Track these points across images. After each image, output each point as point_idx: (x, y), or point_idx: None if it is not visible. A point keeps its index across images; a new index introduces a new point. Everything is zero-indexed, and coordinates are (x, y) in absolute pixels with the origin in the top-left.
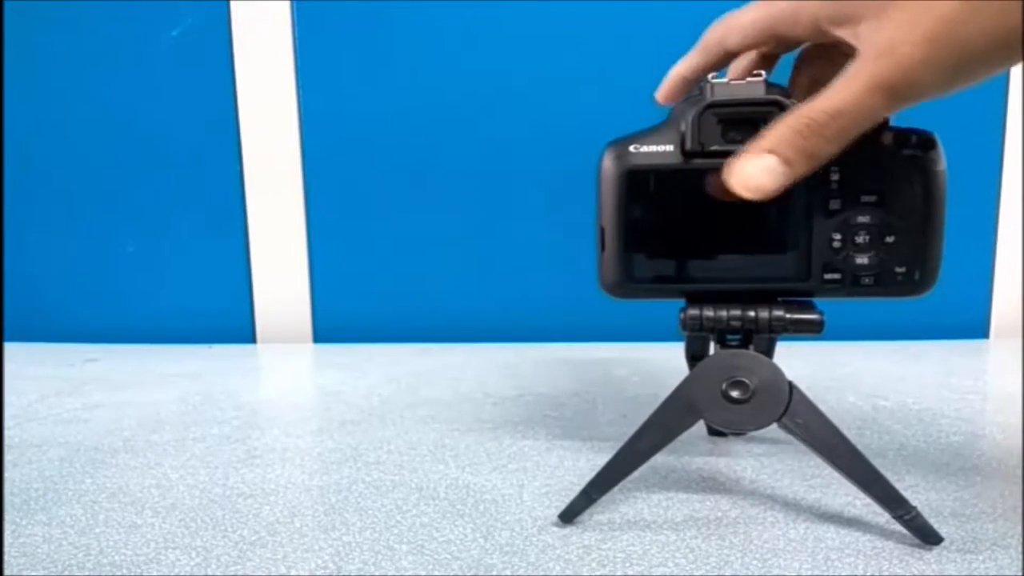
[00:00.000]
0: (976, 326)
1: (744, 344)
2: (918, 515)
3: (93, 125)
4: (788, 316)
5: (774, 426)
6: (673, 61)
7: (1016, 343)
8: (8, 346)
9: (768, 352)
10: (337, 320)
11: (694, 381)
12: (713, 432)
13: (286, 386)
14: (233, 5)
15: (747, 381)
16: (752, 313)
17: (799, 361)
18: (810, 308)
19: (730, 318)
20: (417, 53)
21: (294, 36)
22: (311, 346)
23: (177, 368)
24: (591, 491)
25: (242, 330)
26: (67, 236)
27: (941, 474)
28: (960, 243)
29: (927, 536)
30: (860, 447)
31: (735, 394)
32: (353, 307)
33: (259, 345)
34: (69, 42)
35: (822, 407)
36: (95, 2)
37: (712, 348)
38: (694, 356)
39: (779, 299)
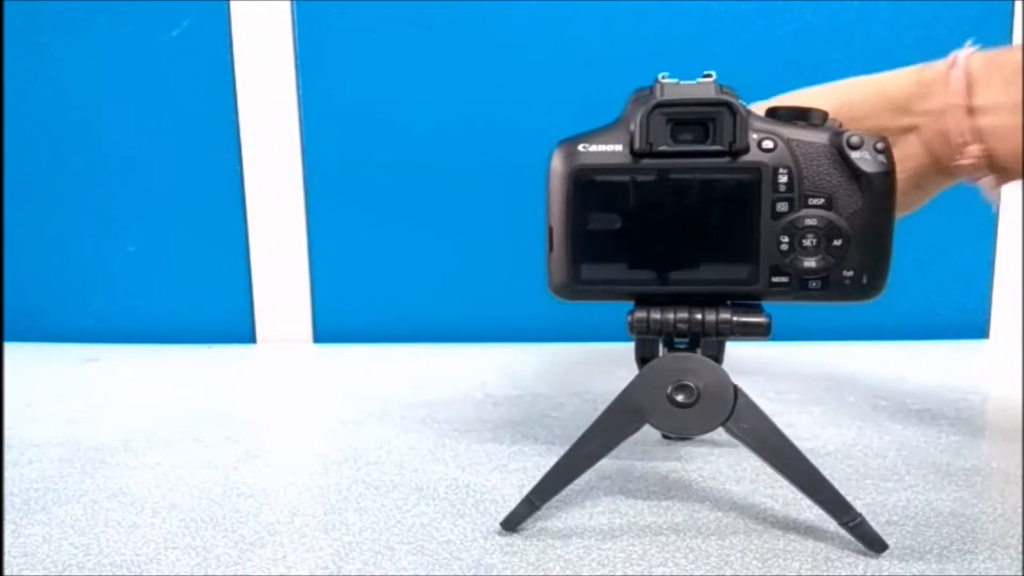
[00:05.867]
0: (976, 326)
1: (692, 347)
2: (863, 521)
3: (93, 125)
4: (735, 319)
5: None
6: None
7: (1016, 343)
8: (8, 346)
9: (717, 356)
10: (337, 320)
11: (639, 385)
12: (667, 436)
13: (286, 386)
14: (233, 5)
15: (692, 385)
16: (699, 316)
17: (799, 361)
18: (757, 311)
19: (677, 321)
20: (418, 53)
21: (294, 36)
22: (311, 346)
23: (177, 368)
24: (534, 498)
25: (242, 330)
26: (67, 236)
27: (941, 474)
28: (960, 243)
29: (872, 543)
30: (859, 447)
31: (680, 398)
32: (353, 307)
33: (259, 345)
34: (69, 42)
35: (822, 407)
36: (95, 2)
37: (661, 351)
38: (644, 359)
39: (729, 302)
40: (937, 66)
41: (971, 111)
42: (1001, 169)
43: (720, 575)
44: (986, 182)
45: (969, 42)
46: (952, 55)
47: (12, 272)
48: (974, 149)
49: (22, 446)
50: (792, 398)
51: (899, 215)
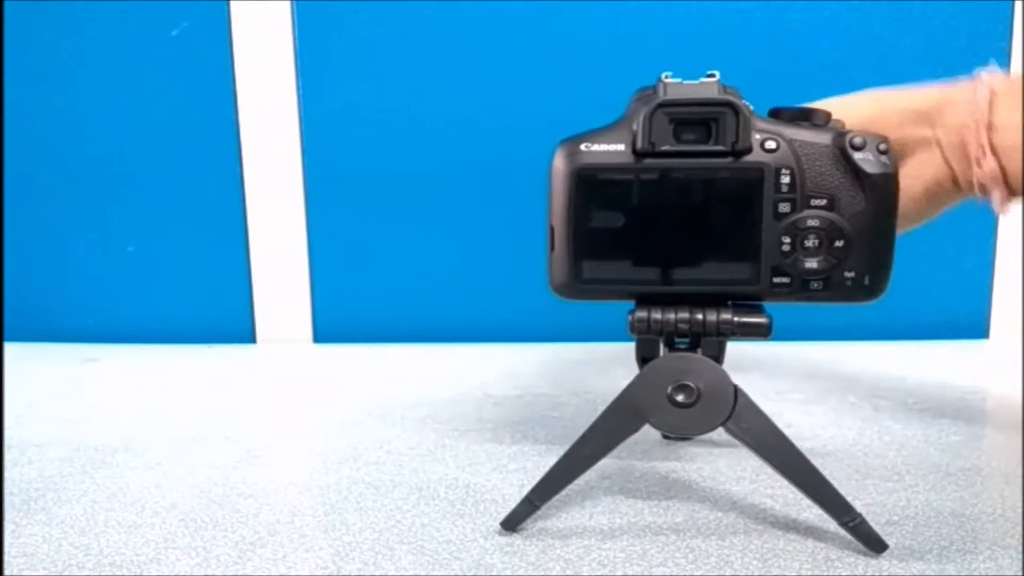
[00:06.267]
0: (976, 326)
1: (692, 347)
2: (863, 521)
3: (93, 125)
4: (735, 319)
5: None
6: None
7: (1016, 343)
8: (8, 346)
9: (718, 356)
10: (337, 320)
11: (639, 384)
12: (667, 436)
13: (286, 386)
14: (233, 5)
15: (692, 385)
16: (700, 316)
17: (799, 361)
18: (758, 312)
19: (678, 320)
20: (418, 53)
21: (294, 36)
22: (311, 346)
23: (177, 368)
24: (534, 498)
25: (242, 330)
26: (67, 236)
27: (941, 474)
28: (960, 243)
29: (871, 543)
30: (859, 447)
31: (680, 398)
32: (353, 307)
33: (259, 345)
34: (69, 42)
35: (822, 407)
36: (95, 2)
37: (661, 351)
38: (644, 359)
39: (730, 303)
40: (963, 82)
41: (991, 127)
42: (1011, 187)
43: (720, 575)
44: (996, 198)
45: (993, 61)
46: (978, 73)
47: (12, 272)
48: (989, 163)
49: (22, 446)
50: (792, 398)
51: (912, 226)
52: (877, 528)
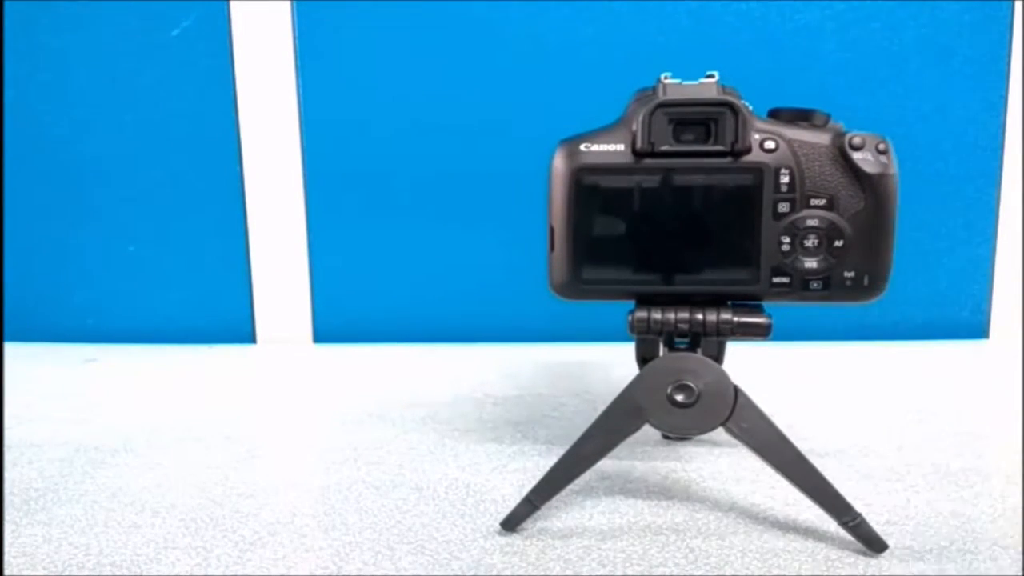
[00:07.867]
0: (976, 326)
1: (692, 347)
2: (863, 521)
3: (93, 124)
4: (735, 319)
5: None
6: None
7: (1016, 343)
8: (8, 346)
9: (718, 356)
10: (337, 320)
11: (639, 384)
12: (667, 436)
13: (286, 386)
14: (233, 5)
15: (692, 385)
16: (700, 316)
17: (799, 361)
18: (758, 312)
19: (678, 320)
20: (417, 54)
21: (294, 36)
22: (311, 346)
23: (177, 368)
24: (534, 498)
25: (242, 330)
26: (67, 236)
27: (941, 474)
28: (960, 243)
29: (871, 543)
30: (859, 447)
31: (680, 398)
32: (353, 307)
33: (259, 345)
34: (69, 42)
35: (822, 407)
36: (95, 2)
37: (661, 351)
38: (644, 359)
39: (729, 303)
40: None
41: None
42: None
43: (720, 575)
44: None
45: None
46: None
47: (12, 272)
48: None
49: (22, 446)
50: (792, 398)
51: None
52: (877, 528)
